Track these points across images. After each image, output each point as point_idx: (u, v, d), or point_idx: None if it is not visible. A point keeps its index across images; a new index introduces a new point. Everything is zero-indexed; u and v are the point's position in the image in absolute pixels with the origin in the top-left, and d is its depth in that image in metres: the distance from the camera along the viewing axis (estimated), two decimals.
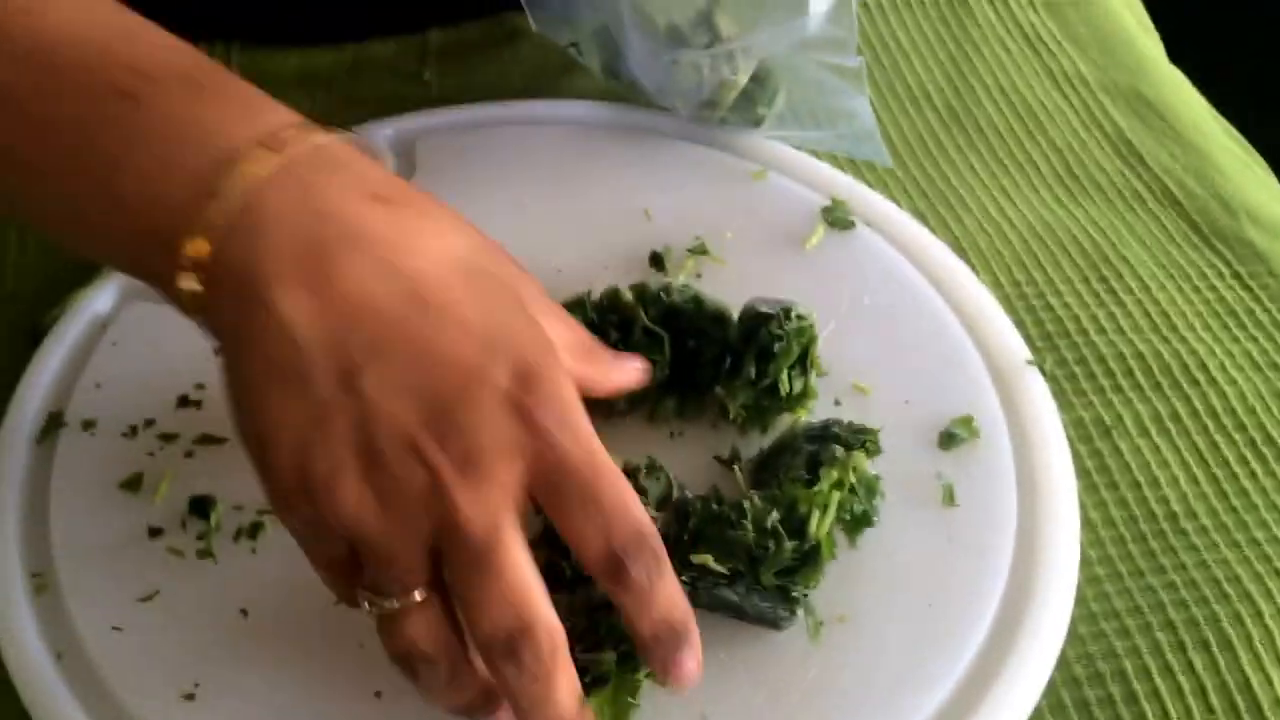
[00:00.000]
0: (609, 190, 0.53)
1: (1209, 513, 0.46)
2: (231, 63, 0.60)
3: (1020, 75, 0.64)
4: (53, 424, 0.44)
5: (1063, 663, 0.40)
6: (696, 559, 0.38)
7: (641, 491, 0.39)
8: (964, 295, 0.50)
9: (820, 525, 0.38)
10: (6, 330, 0.48)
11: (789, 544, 0.37)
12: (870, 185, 0.55)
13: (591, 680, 0.35)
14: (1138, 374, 0.50)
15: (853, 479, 0.40)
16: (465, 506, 0.31)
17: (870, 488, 0.41)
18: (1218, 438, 0.48)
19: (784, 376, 0.42)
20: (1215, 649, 0.42)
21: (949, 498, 0.43)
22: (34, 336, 0.47)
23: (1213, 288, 0.54)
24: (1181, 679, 0.41)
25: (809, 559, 0.38)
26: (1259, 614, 0.43)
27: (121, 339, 0.46)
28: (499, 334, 0.32)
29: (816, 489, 0.39)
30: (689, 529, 0.39)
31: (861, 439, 0.41)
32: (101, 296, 0.48)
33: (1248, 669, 0.41)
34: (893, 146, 0.58)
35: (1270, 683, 0.41)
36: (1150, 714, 0.41)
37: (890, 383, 0.46)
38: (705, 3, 0.51)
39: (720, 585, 0.38)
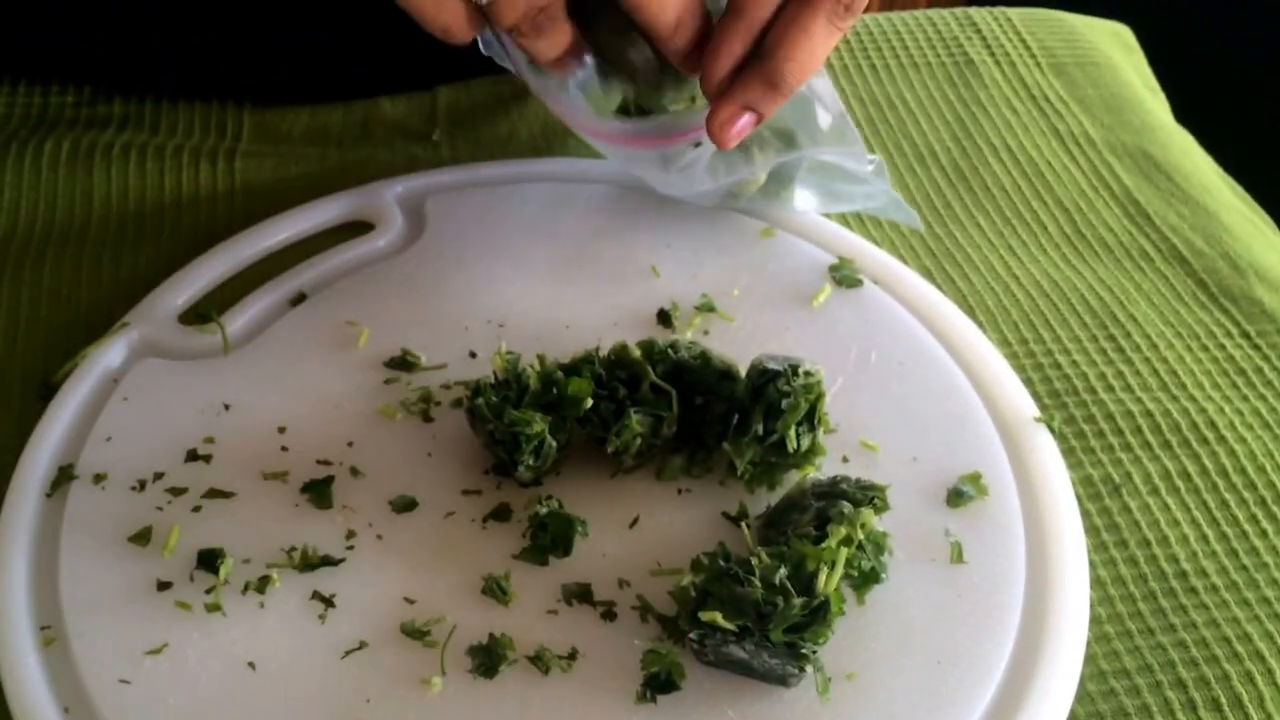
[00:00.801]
0: (617, 247, 0.53)
1: (1219, 571, 0.45)
2: (243, 121, 0.61)
3: (1027, 135, 0.64)
4: (63, 477, 0.44)
5: None
6: (705, 616, 0.38)
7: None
8: (972, 353, 0.50)
9: (828, 581, 0.38)
10: (19, 384, 0.49)
11: (797, 600, 0.37)
12: (877, 244, 0.56)
13: None
14: (1146, 432, 0.50)
15: (861, 535, 0.40)
16: None
17: (878, 544, 0.41)
18: (1227, 496, 0.48)
19: (791, 433, 0.43)
20: (1226, 708, 0.41)
21: (958, 555, 0.43)
22: (46, 391, 0.48)
23: (1221, 346, 0.54)
24: None
25: (817, 615, 0.38)
26: (1270, 673, 0.42)
27: (132, 394, 0.47)
28: None
29: (824, 545, 0.39)
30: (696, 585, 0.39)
31: (870, 495, 0.41)
32: (113, 352, 0.48)
33: None
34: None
35: None
36: None
37: (898, 440, 0.46)
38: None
39: (729, 642, 0.38)
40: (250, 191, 0.57)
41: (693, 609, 0.38)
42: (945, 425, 0.47)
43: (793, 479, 0.44)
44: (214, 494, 0.43)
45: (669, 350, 0.44)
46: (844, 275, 0.52)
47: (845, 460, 0.45)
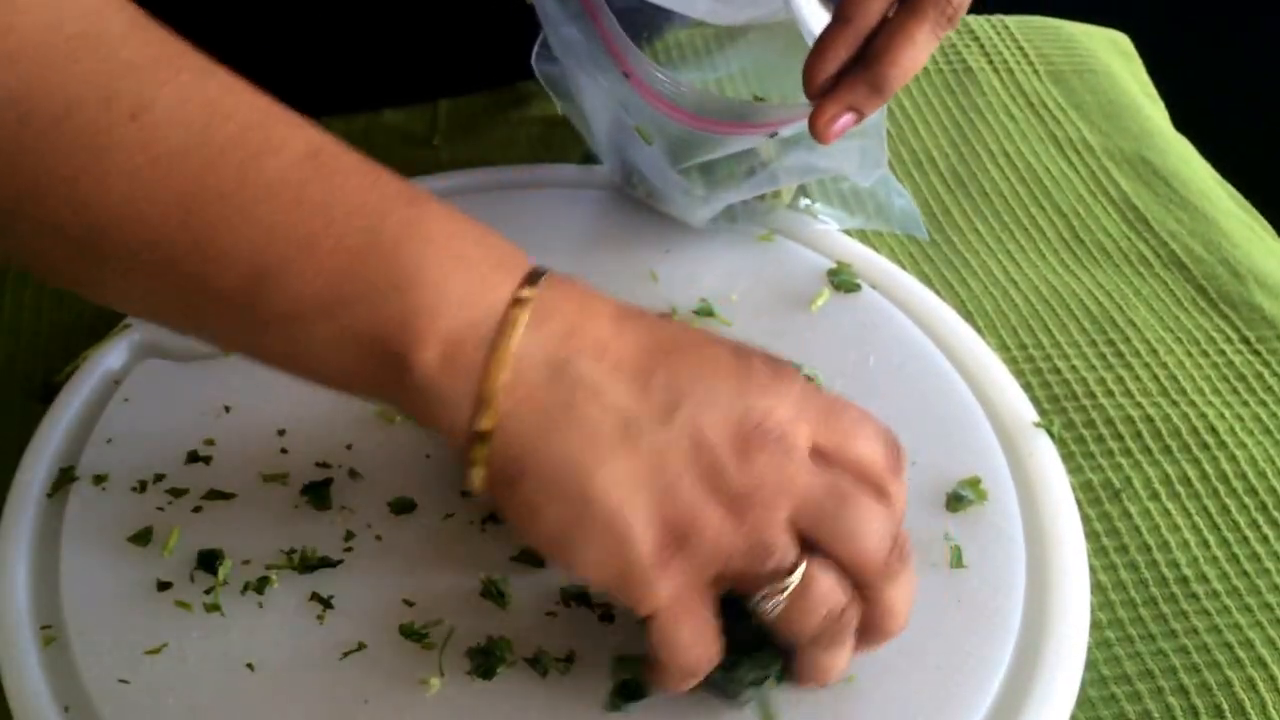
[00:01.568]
0: (615, 252, 0.53)
1: (1220, 577, 0.45)
2: None
3: (1025, 142, 0.65)
4: (64, 478, 0.44)
5: None
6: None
7: None
8: (970, 357, 0.50)
9: None
10: (20, 386, 0.49)
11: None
12: (875, 249, 0.56)
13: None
14: (1146, 437, 0.50)
15: None
16: (801, 470, 0.34)
17: None
18: (1228, 501, 0.48)
19: None
20: (1229, 715, 0.41)
21: (957, 560, 0.43)
22: (47, 392, 0.48)
23: (1221, 352, 0.54)
24: None
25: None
26: (1273, 679, 0.42)
27: (133, 395, 0.47)
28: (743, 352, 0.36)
29: None
30: None
31: None
32: (114, 353, 0.49)
33: None
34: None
35: None
36: None
37: None
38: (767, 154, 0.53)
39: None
40: None
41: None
42: (944, 430, 0.47)
43: None
44: (214, 495, 0.43)
45: None
46: (842, 280, 0.53)
47: None
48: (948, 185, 0.62)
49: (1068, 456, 0.48)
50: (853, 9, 0.44)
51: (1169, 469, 0.49)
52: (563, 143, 0.62)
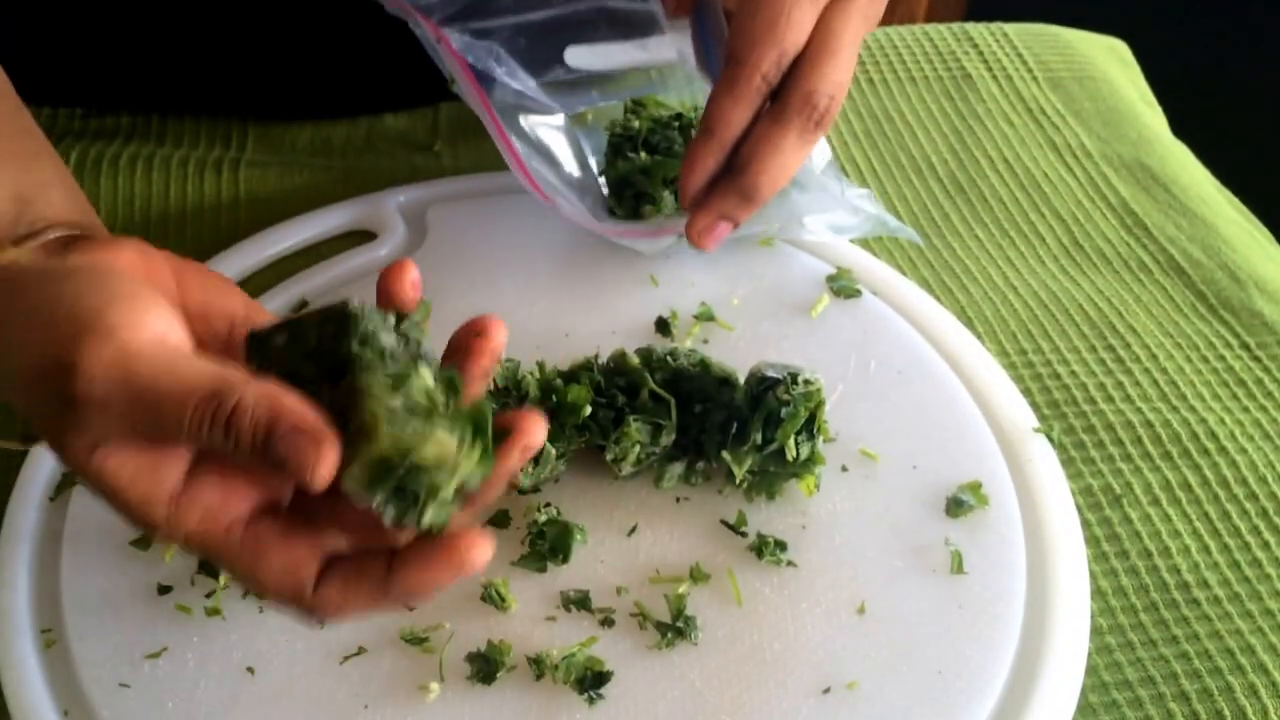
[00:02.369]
0: (616, 257, 0.53)
1: (1221, 582, 0.45)
2: (248, 133, 0.61)
3: (1024, 148, 0.65)
4: (66, 482, 0.44)
5: None
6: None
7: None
8: (970, 363, 0.50)
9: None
10: None
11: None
12: (875, 255, 0.56)
13: None
14: (1147, 443, 0.50)
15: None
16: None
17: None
18: (1229, 507, 0.48)
19: (791, 442, 0.43)
20: None
21: (958, 565, 0.43)
22: None
23: (1221, 357, 0.54)
24: None
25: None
26: (1274, 685, 0.42)
27: None
28: None
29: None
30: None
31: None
32: None
33: None
34: (897, 217, 0.59)
35: None
36: None
37: (897, 449, 0.46)
38: None
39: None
40: (255, 201, 0.57)
41: None
42: (944, 435, 0.47)
43: (792, 488, 0.44)
44: None
45: (668, 358, 0.44)
46: (842, 285, 0.53)
47: (844, 469, 0.45)
48: (947, 191, 0.62)
49: (1068, 462, 0.48)
50: (714, 121, 0.45)
51: (1169, 474, 0.49)
52: None
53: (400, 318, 0.33)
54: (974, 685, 0.39)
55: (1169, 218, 0.61)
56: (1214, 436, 0.50)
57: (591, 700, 0.38)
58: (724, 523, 0.44)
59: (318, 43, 0.60)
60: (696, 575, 0.42)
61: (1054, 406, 0.51)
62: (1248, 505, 0.48)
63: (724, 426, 0.43)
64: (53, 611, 0.40)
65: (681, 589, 0.41)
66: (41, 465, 0.45)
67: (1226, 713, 0.41)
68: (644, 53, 0.54)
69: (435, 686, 0.39)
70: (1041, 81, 0.69)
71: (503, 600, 0.41)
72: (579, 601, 0.41)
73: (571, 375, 0.44)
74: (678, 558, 0.42)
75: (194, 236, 0.56)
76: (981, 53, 0.71)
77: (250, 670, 0.39)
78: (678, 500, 0.44)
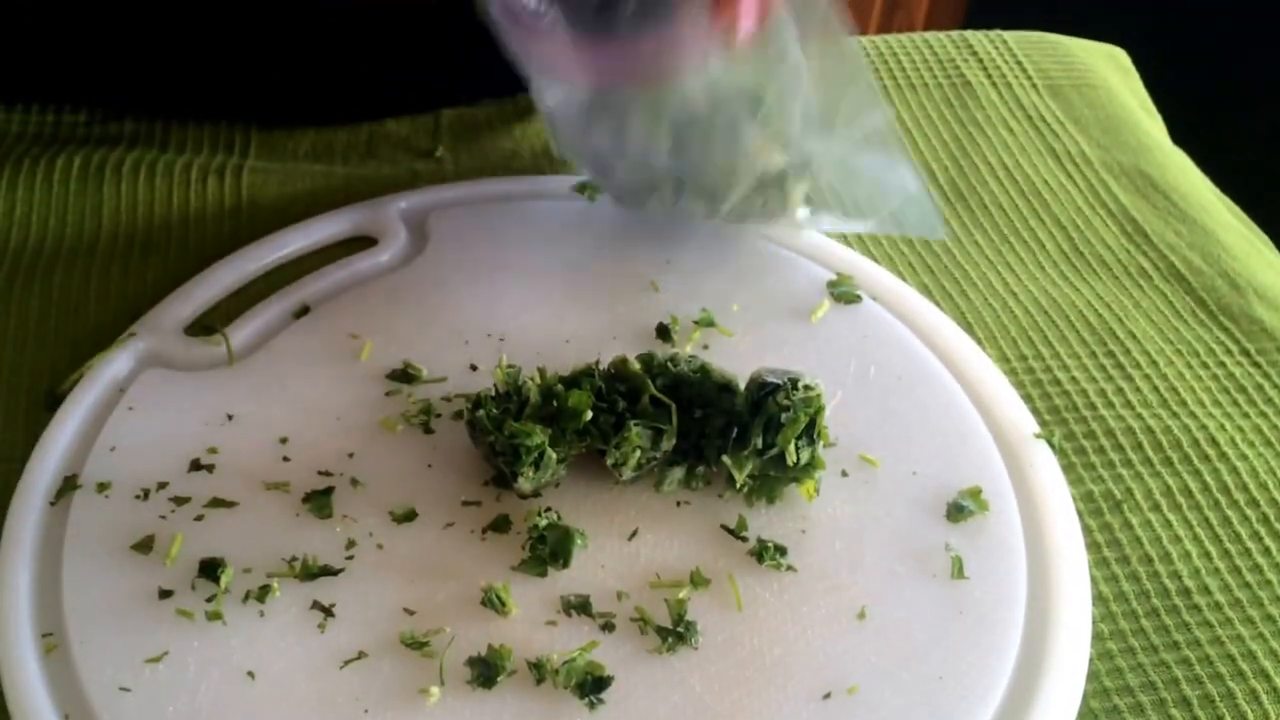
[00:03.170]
0: (617, 263, 0.54)
1: (1222, 588, 0.45)
2: (250, 139, 0.62)
3: (1024, 155, 0.65)
4: (68, 486, 0.44)
5: None
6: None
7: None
8: (971, 369, 0.50)
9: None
10: (25, 394, 0.49)
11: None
12: (876, 261, 0.56)
13: None
14: (1147, 449, 0.50)
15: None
16: None
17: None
18: (1230, 513, 0.48)
19: (791, 447, 0.43)
20: None
21: (958, 570, 0.43)
22: (52, 401, 0.48)
23: (1221, 364, 0.54)
24: None
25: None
26: (1276, 690, 0.42)
27: (137, 404, 0.47)
28: None
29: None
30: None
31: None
32: (119, 362, 0.49)
33: None
34: None
35: None
36: None
37: (897, 454, 0.46)
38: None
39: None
40: (256, 206, 0.58)
41: None
42: (945, 440, 0.47)
43: (792, 493, 0.44)
44: (216, 503, 0.43)
45: (668, 364, 0.44)
46: (842, 291, 0.53)
47: (845, 474, 0.45)
48: (947, 198, 0.62)
49: (1068, 468, 0.49)
50: None
51: (1170, 480, 0.49)
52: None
53: None
54: (975, 691, 0.39)
55: (1169, 225, 0.61)
56: (1214, 442, 0.50)
57: (592, 705, 0.38)
58: (724, 527, 0.44)
59: (319, 49, 0.60)
60: (697, 580, 0.42)
61: (1054, 412, 0.51)
62: (1248, 511, 0.48)
63: (724, 431, 0.43)
64: (53, 616, 0.40)
65: (682, 594, 0.41)
66: (43, 469, 0.45)
67: (1228, 718, 0.41)
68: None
69: (435, 691, 0.39)
70: (1041, 89, 0.69)
71: (503, 605, 0.41)
72: (579, 606, 0.41)
73: (573, 380, 0.44)
74: (678, 562, 0.43)
75: (196, 242, 0.56)
76: (981, 60, 0.71)
77: (251, 675, 0.39)
78: (678, 505, 0.44)
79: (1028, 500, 0.45)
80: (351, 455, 0.45)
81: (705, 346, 0.50)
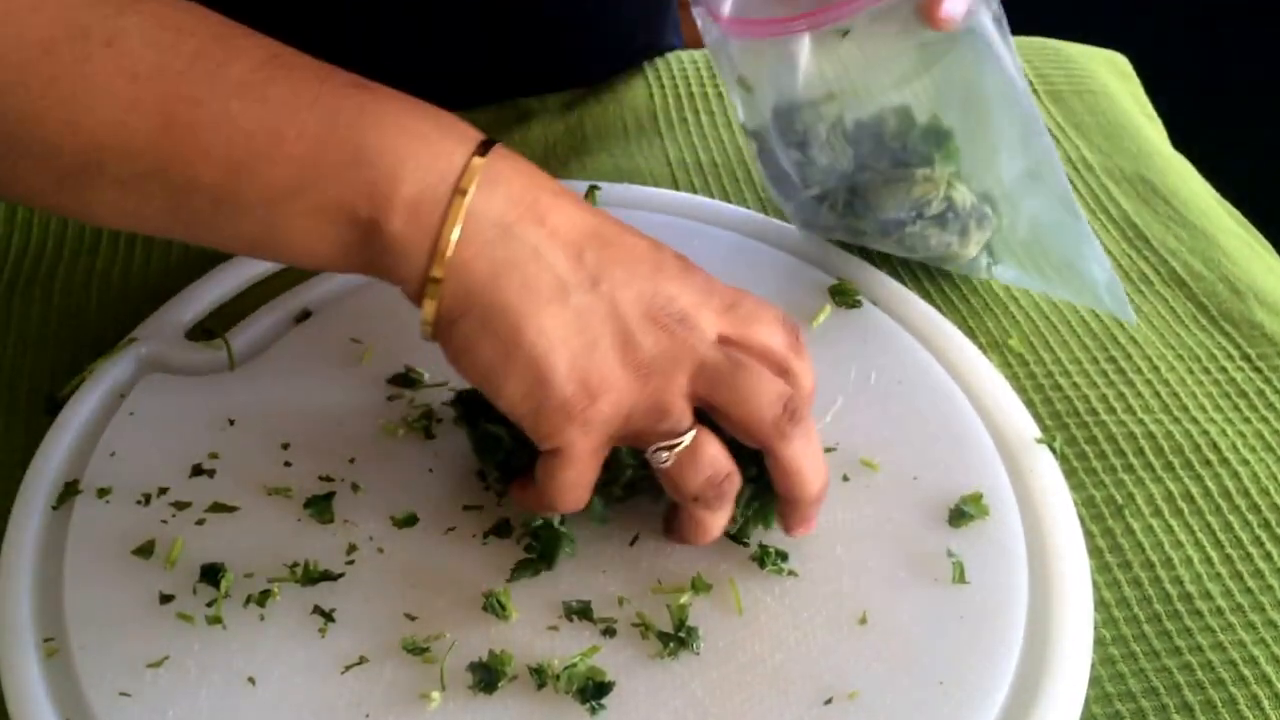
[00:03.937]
0: None
1: (1223, 593, 0.45)
2: None
3: None
4: (69, 491, 0.44)
5: None
6: None
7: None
8: (972, 374, 0.50)
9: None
10: (26, 399, 0.49)
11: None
12: (877, 265, 0.56)
13: None
14: (1149, 454, 0.50)
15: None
16: (700, 345, 0.39)
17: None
18: (1231, 518, 0.48)
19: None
20: None
21: (960, 575, 0.42)
22: (52, 406, 0.48)
23: (1222, 369, 0.54)
24: None
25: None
26: (1277, 696, 0.42)
27: (138, 409, 0.47)
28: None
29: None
30: None
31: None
32: (119, 367, 0.49)
33: None
34: None
35: None
36: None
37: (899, 459, 0.46)
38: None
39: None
40: None
41: None
42: (946, 445, 0.47)
43: None
44: (217, 508, 0.43)
45: None
46: (843, 296, 0.53)
47: (846, 479, 0.45)
48: None
49: (1070, 473, 0.48)
50: None
51: (1171, 485, 0.49)
52: (564, 159, 0.62)
53: None
54: (976, 696, 0.39)
55: (1170, 230, 0.61)
56: (1215, 448, 0.50)
57: (593, 710, 0.38)
58: (725, 533, 0.44)
59: (319, 54, 0.60)
60: (698, 585, 0.42)
61: (1056, 417, 0.51)
62: (1249, 516, 0.48)
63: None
64: (54, 620, 0.40)
65: (683, 599, 0.41)
66: (44, 474, 0.45)
67: None
68: None
69: (436, 696, 0.39)
70: (1042, 95, 0.69)
71: (504, 609, 0.41)
72: (581, 611, 0.41)
73: None
74: (679, 567, 0.42)
75: (197, 247, 0.56)
76: None
77: (251, 680, 0.39)
78: None
79: (1029, 505, 0.45)
80: (353, 460, 0.45)
81: None
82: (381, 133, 0.37)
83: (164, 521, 0.43)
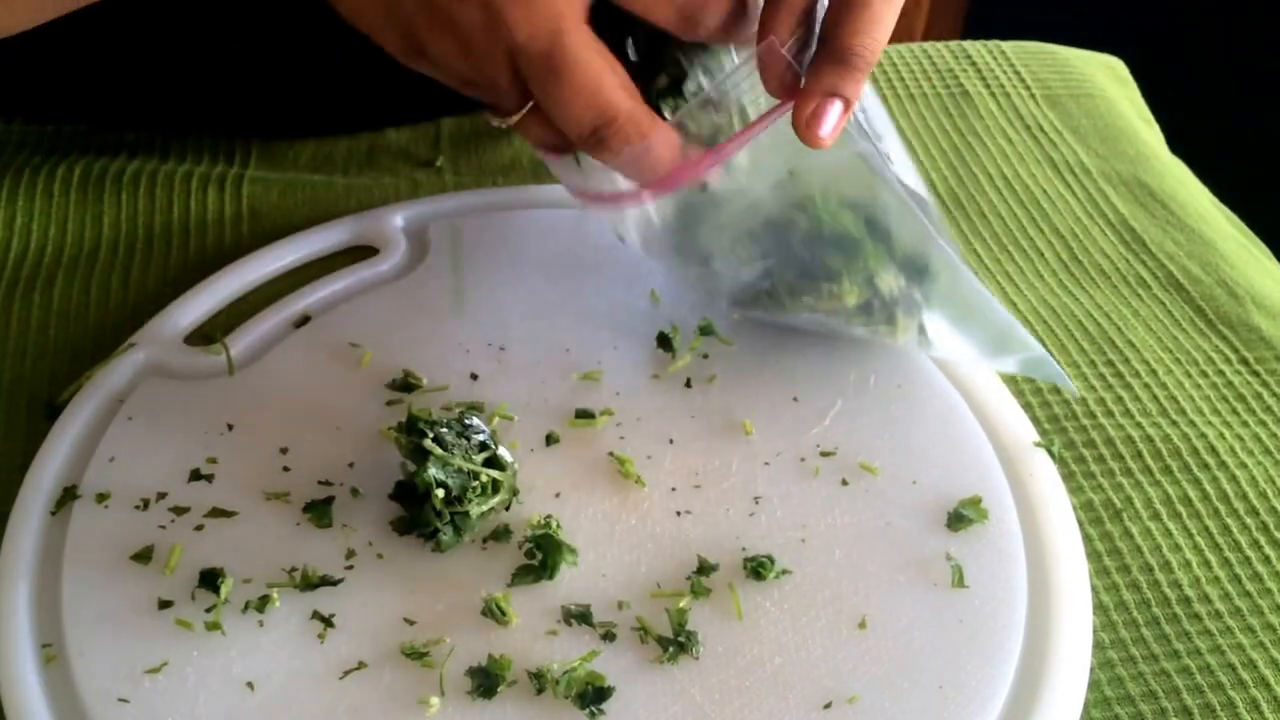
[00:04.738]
0: (616, 272, 0.54)
1: (1222, 597, 0.45)
2: (250, 149, 0.62)
3: (1023, 164, 0.65)
4: (67, 496, 0.44)
5: None
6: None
7: None
8: (970, 377, 0.50)
9: None
10: (25, 405, 0.49)
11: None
12: None
13: None
14: (1147, 457, 0.50)
15: None
16: (518, 25, 0.37)
17: None
18: (1229, 521, 0.48)
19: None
20: None
21: (959, 579, 0.43)
22: (51, 412, 0.48)
23: (1220, 372, 0.54)
24: None
25: None
26: (1276, 700, 0.42)
27: (136, 414, 0.47)
28: None
29: None
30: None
31: None
32: (118, 372, 0.49)
33: None
34: None
35: None
36: None
37: (897, 463, 0.46)
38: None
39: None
40: (256, 216, 0.58)
41: None
42: (945, 449, 0.47)
43: (793, 500, 0.44)
44: (216, 513, 0.43)
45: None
46: None
47: (845, 483, 0.45)
48: (946, 208, 0.62)
49: (1068, 476, 0.49)
50: None
51: (1169, 489, 0.49)
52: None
53: None
54: (975, 700, 0.39)
55: (1167, 234, 0.61)
56: (1213, 451, 0.50)
57: (593, 715, 0.38)
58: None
59: (319, 58, 0.60)
60: (697, 590, 0.42)
61: (1054, 421, 0.51)
62: (1248, 519, 0.48)
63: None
64: (53, 626, 0.40)
65: (682, 603, 0.41)
66: (43, 480, 0.45)
67: None
68: None
69: (435, 701, 0.38)
70: (1039, 99, 0.70)
71: (503, 614, 0.41)
72: (580, 616, 0.41)
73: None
74: (679, 572, 0.42)
75: (197, 251, 0.56)
76: (980, 70, 0.72)
77: (250, 685, 0.39)
78: (679, 514, 0.44)
79: (1028, 509, 0.45)
80: (352, 465, 0.45)
81: (705, 356, 0.50)
82: None
83: (163, 527, 0.43)
